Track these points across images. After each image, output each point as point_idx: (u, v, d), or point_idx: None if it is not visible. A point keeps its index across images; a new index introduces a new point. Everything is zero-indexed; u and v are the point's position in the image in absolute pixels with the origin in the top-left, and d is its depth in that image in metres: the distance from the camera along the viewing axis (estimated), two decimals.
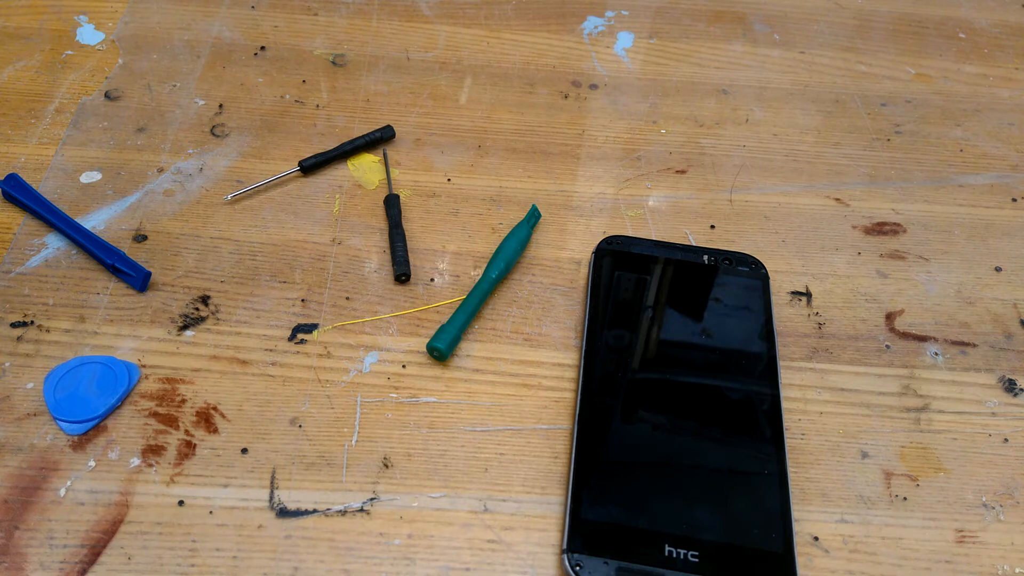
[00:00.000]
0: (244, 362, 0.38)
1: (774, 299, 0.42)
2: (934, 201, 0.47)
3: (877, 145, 0.50)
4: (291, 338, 0.39)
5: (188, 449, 0.35)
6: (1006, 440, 0.37)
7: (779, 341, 0.40)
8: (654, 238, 0.43)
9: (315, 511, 0.33)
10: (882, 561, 0.33)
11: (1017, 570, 0.34)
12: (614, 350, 0.38)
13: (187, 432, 0.35)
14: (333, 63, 0.52)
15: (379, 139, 0.47)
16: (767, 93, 0.53)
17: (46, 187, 0.44)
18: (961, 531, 0.35)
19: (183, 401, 0.36)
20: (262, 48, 0.52)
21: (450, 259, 0.42)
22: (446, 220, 0.44)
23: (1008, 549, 0.34)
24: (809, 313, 0.41)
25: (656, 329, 0.39)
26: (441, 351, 0.37)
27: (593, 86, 0.52)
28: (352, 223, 0.43)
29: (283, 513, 0.33)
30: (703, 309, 0.40)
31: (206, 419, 0.36)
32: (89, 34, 0.53)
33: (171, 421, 0.36)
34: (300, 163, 0.45)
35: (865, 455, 0.36)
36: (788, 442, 0.36)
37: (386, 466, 0.35)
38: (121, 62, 0.51)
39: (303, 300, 0.40)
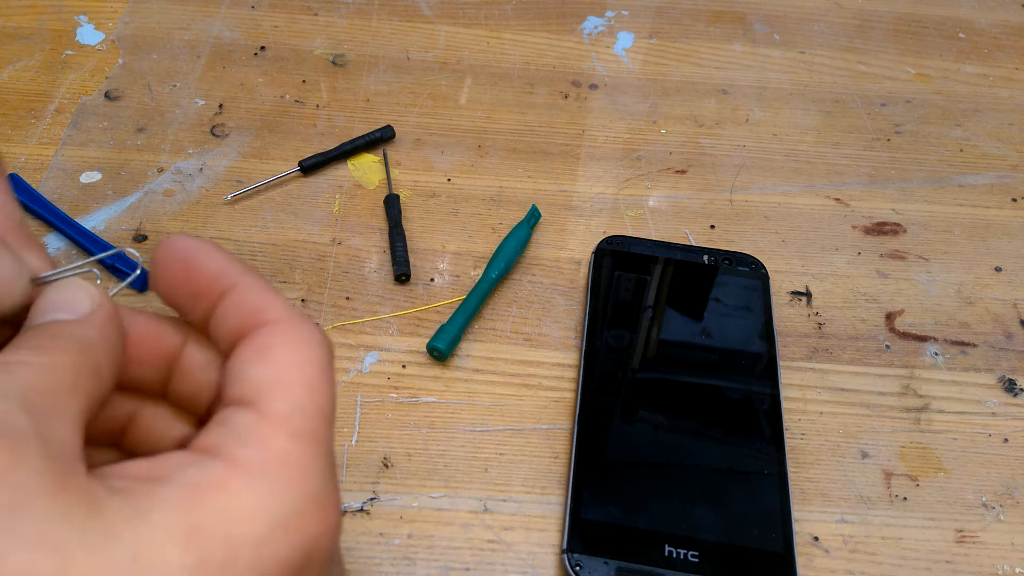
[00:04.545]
0: None
1: (774, 299, 0.41)
2: (934, 201, 0.47)
3: (877, 145, 0.50)
4: None
5: None
6: (1006, 440, 0.37)
7: (779, 341, 0.40)
8: (654, 238, 0.43)
9: None
10: (882, 561, 0.33)
11: (1017, 570, 0.34)
12: (614, 350, 0.38)
13: None
14: (333, 63, 0.52)
15: (379, 139, 0.47)
16: (767, 93, 0.53)
17: (46, 187, 0.44)
18: (961, 531, 0.35)
19: None
20: (262, 48, 0.52)
21: (450, 259, 0.42)
22: (446, 220, 0.44)
23: (1008, 549, 0.34)
24: (809, 313, 0.41)
25: (656, 329, 0.39)
26: (441, 351, 0.37)
27: (593, 86, 0.52)
28: (352, 223, 0.43)
29: None
30: (703, 309, 0.40)
31: None
32: (89, 34, 0.53)
33: None
34: (300, 163, 0.45)
35: (865, 455, 0.36)
36: (788, 442, 0.36)
37: (386, 466, 0.35)
38: (121, 62, 0.51)
39: (303, 300, 0.40)
